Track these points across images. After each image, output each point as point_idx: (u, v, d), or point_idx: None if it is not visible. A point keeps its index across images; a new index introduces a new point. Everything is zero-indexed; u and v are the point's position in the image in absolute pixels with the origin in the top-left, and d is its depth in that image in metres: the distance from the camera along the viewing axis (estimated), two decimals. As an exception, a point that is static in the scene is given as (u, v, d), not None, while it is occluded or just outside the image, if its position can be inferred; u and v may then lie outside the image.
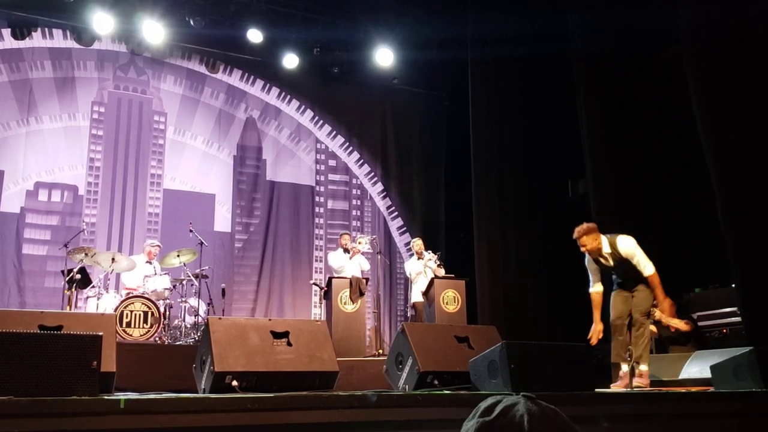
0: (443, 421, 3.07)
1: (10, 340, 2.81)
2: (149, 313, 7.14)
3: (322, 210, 11.10)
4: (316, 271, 10.74)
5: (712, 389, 4.50)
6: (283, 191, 10.82)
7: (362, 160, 11.47)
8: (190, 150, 10.32)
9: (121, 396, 2.98)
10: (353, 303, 7.90)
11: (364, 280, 8.14)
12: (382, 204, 11.47)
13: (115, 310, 6.98)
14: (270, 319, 4.26)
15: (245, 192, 10.56)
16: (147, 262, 8.00)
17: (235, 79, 10.74)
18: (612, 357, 5.34)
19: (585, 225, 5.28)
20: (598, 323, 5.38)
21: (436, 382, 4.04)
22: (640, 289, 5.27)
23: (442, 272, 8.66)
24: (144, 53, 10.08)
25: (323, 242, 10.94)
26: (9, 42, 9.28)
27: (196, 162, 10.32)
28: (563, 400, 3.28)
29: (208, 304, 8.14)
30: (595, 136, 7.98)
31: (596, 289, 5.48)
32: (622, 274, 5.36)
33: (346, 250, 8.46)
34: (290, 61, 10.39)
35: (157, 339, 7.18)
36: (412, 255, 9.05)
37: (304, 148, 11.14)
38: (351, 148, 11.42)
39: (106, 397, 2.88)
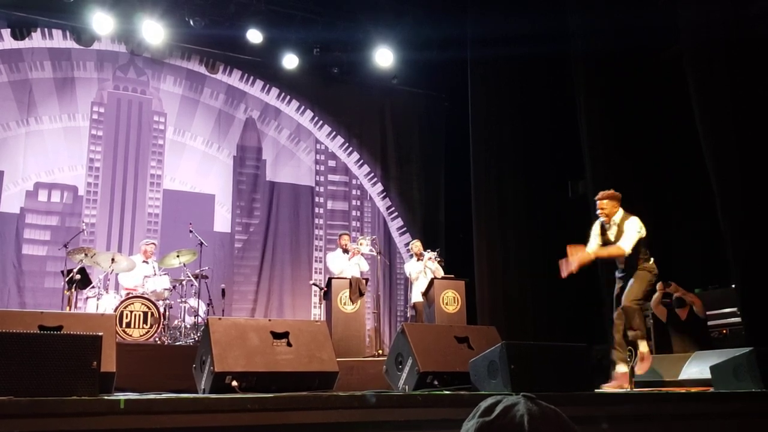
0: (443, 422, 3.07)
1: (10, 341, 2.81)
2: (149, 314, 7.14)
3: (321, 210, 11.10)
4: (315, 272, 10.74)
5: (711, 390, 4.50)
6: (283, 192, 10.82)
7: (362, 161, 11.47)
8: (189, 150, 10.32)
9: (121, 396, 2.97)
10: (353, 303, 7.90)
11: (364, 281, 8.14)
12: (381, 204, 11.47)
13: (115, 311, 6.98)
14: (270, 320, 4.26)
15: (245, 192, 10.56)
16: (144, 261, 8.01)
17: (234, 79, 10.74)
18: (613, 355, 5.36)
19: (611, 190, 5.48)
20: (574, 261, 5.34)
21: (435, 382, 4.03)
22: (633, 280, 5.33)
23: (441, 272, 8.67)
24: (144, 53, 10.08)
25: (323, 243, 10.94)
26: (9, 42, 9.28)
27: (195, 162, 10.32)
28: (563, 400, 3.28)
29: (208, 305, 8.14)
30: (595, 136, 7.98)
31: (589, 248, 5.52)
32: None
33: (346, 251, 8.46)
34: (290, 61, 10.39)
35: (156, 339, 7.18)
36: (412, 256, 9.05)
37: (303, 148, 11.14)
38: (351, 148, 11.42)
39: (105, 398, 2.88)
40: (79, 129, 9.66)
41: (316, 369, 3.94)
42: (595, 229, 5.59)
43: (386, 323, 10.77)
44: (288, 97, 11.05)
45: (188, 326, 7.68)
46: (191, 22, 9.42)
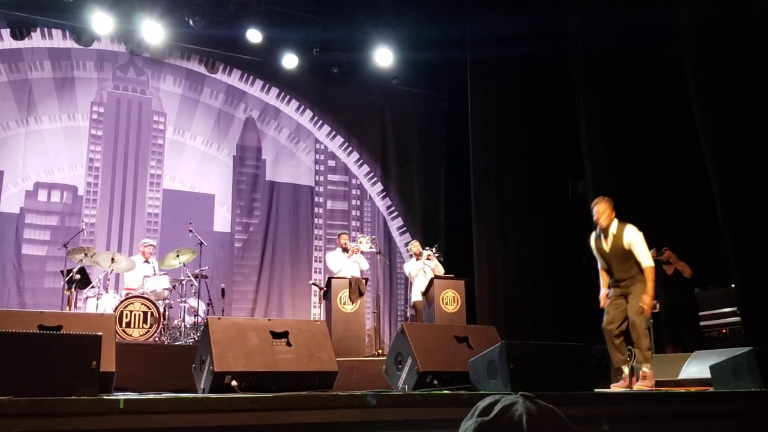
0: (442, 421, 3.07)
1: (9, 340, 2.81)
2: (149, 313, 7.13)
3: (321, 210, 11.10)
4: (315, 272, 10.73)
5: (711, 389, 4.49)
6: (283, 191, 10.82)
7: (362, 161, 11.47)
8: (189, 150, 10.32)
9: (121, 396, 2.97)
10: (353, 303, 7.89)
11: (364, 281, 8.13)
12: (381, 204, 11.47)
13: (115, 310, 6.98)
14: (269, 319, 4.26)
15: (245, 192, 10.55)
16: (144, 261, 8.01)
17: (234, 79, 10.73)
18: (613, 362, 5.33)
19: (607, 198, 5.40)
20: (604, 287, 5.44)
21: (435, 382, 4.03)
22: (634, 292, 5.23)
23: (441, 269, 8.68)
24: (143, 53, 10.07)
25: (323, 242, 10.94)
26: (8, 42, 9.28)
27: (195, 162, 10.32)
28: (562, 400, 3.28)
29: (208, 305, 8.14)
30: (595, 137, 7.98)
31: (601, 266, 5.52)
32: (614, 262, 5.33)
33: (345, 250, 8.46)
34: (290, 61, 10.39)
35: (156, 339, 7.18)
36: (411, 256, 9.06)
37: (303, 148, 11.14)
38: (350, 148, 11.42)
39: (105, 397, 2.88)
40: (79, 129, 9.66)
41: (315, 369, 3.95)
42: (593, 245, 5.47)
43: (386, 323, 10.77)
44: (288, 96, 11.05)
45: (188, 326, 7.68)
46: (191, 22, 9.42)
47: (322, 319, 8.97)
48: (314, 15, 10.10)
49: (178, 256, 7.95)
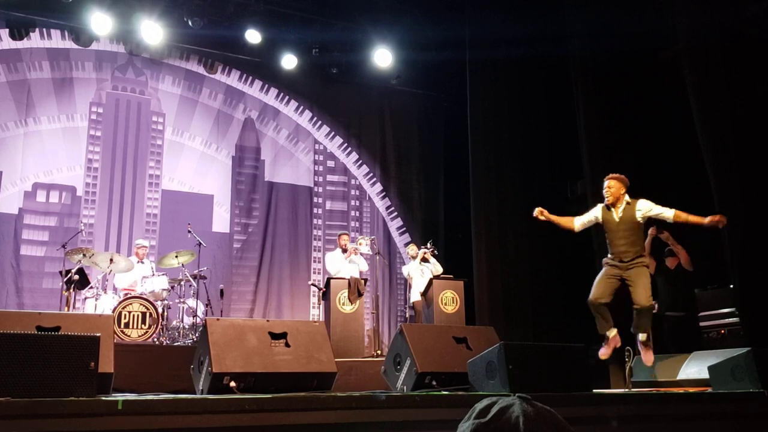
0: (441, 422, 3.07)
1: (7, 341, 2.81)
2: (147, 314, 7.14)
3: (320, 211, 11.10)
4: (314, 272, 10.73)
5: (710, 390, 4.50)
6: (282, 192, 10.82)
7: (361, 161, 11.46)
8: (188, 151, 10.32)
9: (119, 397, 2.97)
10: (351, 304, 7.90)
11: (363, 281, 8.14)
12: (381, 204, 11.47)
13: (114, 311, 6.98)
14: (268, 320, 4.26)
15: (244, 193, 10.55)
16: (139, 262, 8.03)
17: (233, 79, 10.73)
18: (599, 329, 5.31)
19: (623, 177, 5.41)
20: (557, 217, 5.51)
21: (434, 382, 4.04)
22: (636, 280, 5.15)
23: (439, 267, 8.69)
24: (142, 54, 10.07)
25: (322, 243, 10.94)
26: (7, 42, 9.27)
27: (194, 163, 10.32)
28: (561, 401, 3.28)
29: (207, 305, 8.14)
30: (594, 137, 7.98)
31: (573, 220, 5.54)
32: (621, 235, 5.28)
33: (345, 250, 8.46)
34: (289, 61, 10.38)
35: (155, 340, 7.18)
36: (410, 259, 9.07)
37: (302, 148, 11.14)
38: (349, 148, 11.42)
39: (103, 398, 2.88)
40: (78, 129, 9.65)
41: (314, 369, 3.95)
42: (594, 212, 5.46)
43: (385, 323, 10.77)
44: (287, 97, 11.05)
45: (186, 327, 7.68)
46: (190, 23, 9.41)
47: (321, 319, 8.97)
48: (313, 15, 10.10)
49: (176, 256, 7.95)
